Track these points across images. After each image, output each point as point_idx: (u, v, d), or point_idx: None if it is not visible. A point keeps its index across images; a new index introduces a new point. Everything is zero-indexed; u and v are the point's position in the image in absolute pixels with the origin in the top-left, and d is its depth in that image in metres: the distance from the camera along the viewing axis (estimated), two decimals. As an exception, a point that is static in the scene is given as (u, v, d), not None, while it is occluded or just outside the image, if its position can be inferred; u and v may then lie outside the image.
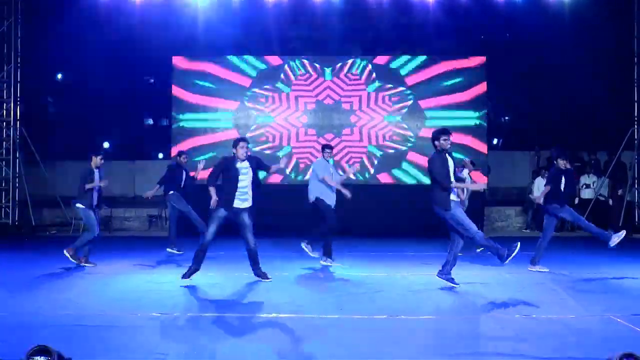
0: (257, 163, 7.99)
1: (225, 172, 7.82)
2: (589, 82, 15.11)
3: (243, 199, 7.80)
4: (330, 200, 9.14)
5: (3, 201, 14.49)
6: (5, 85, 14.37)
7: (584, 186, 14.48)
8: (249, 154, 7.90)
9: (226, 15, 14.14)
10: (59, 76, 19.15)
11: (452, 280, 7.57)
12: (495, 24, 15.18)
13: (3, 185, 14.54)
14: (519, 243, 7.27)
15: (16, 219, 14.47)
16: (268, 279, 7.93)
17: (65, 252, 8.92)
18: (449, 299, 7.00)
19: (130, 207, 15.49)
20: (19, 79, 14.42)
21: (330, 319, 6.03)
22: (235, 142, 7.87)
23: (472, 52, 14.60)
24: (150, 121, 20.58)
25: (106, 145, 19.08)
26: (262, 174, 9.61)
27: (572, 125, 16.05)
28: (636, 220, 14.44)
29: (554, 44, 15.47)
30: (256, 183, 8.05)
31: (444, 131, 7.51)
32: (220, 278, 8.09)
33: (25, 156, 14.56)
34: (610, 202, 14.39)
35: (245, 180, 7.79)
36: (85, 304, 6.65)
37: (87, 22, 14.24)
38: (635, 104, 14.48)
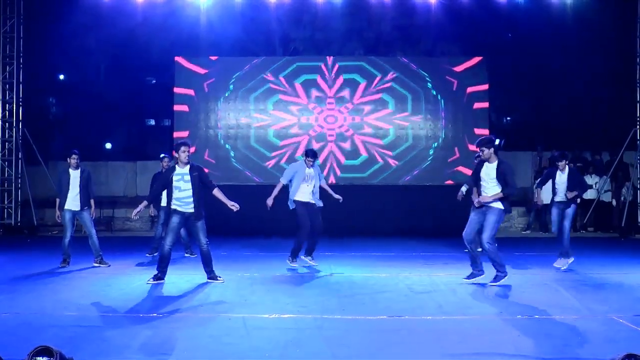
0: (200, 173, 7.85)
1: (167, 184, 7.83)
2: (591, 82, 15.10)
3: (186, 207, 7.78)
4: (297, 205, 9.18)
5: (5, 202, 14.52)
6: (7, 85, 14.39)
7: (587, 187, 14.47)
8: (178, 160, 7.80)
9: (228, 16, 14.17)
10: (61, 77, 19.15)
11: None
12: (497, 25, 15.19)
13: (5, 185, 14.56)
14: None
15: (18, 219, 14.49)
16: (219, 279, 7.94)
17: (94, 264, 9.25)
18: (451, 299, 6.99)
19: (132, 208, 15.45)
20: (21, 80, 14.43)
21: (332, 319, 6.02)
22: (177, 146, 7.79)
23: (474, 53, 14.60)
24: (152, 122, 20.59)
25: (108, 145, 19.07)
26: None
27: (574, 126, 16.04)
28: (639, 221, 14.42)
29: (556, 44, 15.47)
30: (209, 187, 7.92)
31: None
32: (222, 278, 8.06)
33: (27, 157, 14.57)
34: (614, 202, 14.39)
35: (187, 189, 7.72)
36: (87, 304, 6.65)
37: (90, 23, 14.28)
38: (638, 104, 14.46)
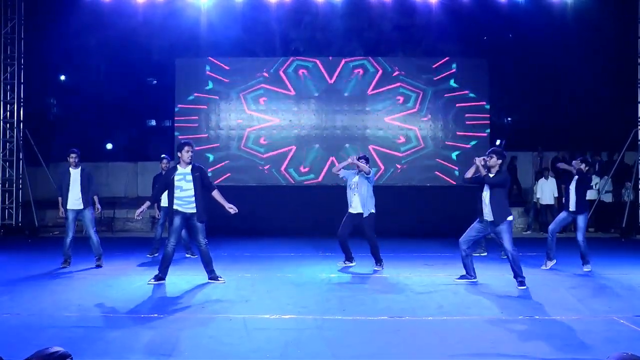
0: (201, 174, 7.89)
1: (169, 184, 7.87)
2: (592, 82, 15.09)
3: (188, 207, 7.80)
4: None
5: (6, 202, 14.52)
6: (8, 86, 14.39)
7: (587, 187, 14.45)
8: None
9: (229, 17, 14.16)
10: (62, 77, 19.17)
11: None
12: (498, 25, 15.18)
13: (6, 186, 14.56)
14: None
15: (19, 220, 14.49)
16: (220, 280, 7.94)
17: (96, 264, 9.28)
18: (451, 300, 7.00)
19: (133, 208, 15.46)
20: (22, 81, 14.44)
21: (333, 319, 6.03)
22: (180, 146, 7.86)
23: (475, 53, 14.58)
24: (153, 122, 20.60)
25: (109, 146, 19.08)
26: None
27: (575, 126, 16.04)
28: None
29: (557, 44, 15.46)
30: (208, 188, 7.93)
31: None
32: (223, 279, 8.07)
33: (28, 157, 14.57)
34: (620, 198, 14.42)
35: (189, 189, 7.75)
36: (88, 305, 6.66)
37: (90, 24, 14.26)
38: (639, 104, 14.45)
